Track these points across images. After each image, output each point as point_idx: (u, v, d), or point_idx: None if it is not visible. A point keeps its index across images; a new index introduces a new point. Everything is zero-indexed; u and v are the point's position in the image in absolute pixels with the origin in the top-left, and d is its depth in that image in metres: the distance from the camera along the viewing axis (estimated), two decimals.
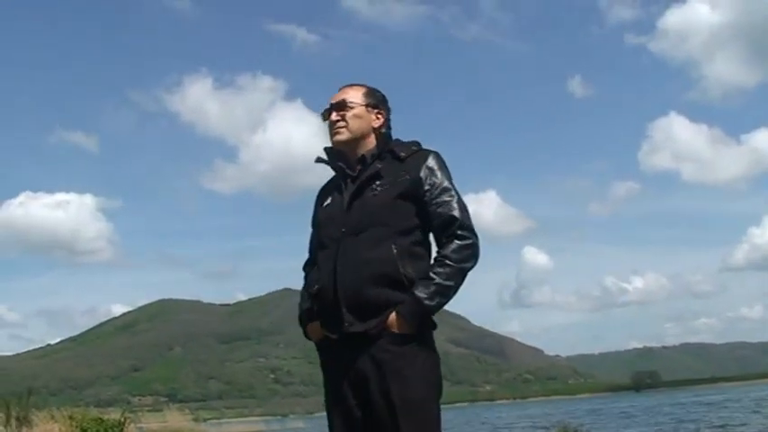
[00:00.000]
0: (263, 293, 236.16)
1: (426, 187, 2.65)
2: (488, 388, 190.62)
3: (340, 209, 2.70)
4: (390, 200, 2.64)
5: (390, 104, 2.88)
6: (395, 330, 2.54)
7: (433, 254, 2.66)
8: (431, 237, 2.69)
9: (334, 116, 2.79)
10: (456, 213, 2.62)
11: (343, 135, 2.77)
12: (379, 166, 2.72)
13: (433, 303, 2.53)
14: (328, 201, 2.79)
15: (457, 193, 2.68)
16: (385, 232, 2.62)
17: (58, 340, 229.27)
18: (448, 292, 2.57)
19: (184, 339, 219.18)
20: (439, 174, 2.68)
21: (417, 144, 2.81)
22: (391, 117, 2.88)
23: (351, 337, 2.57)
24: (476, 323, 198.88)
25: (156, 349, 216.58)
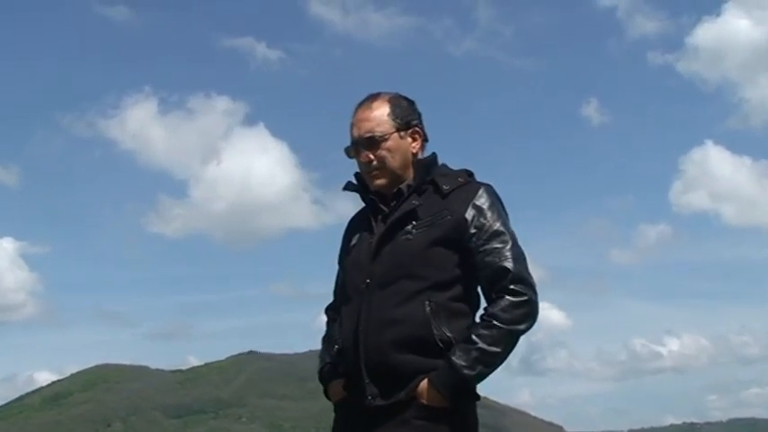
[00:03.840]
0: (222, 357, 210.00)
1: (473, 231, 2.40)
2: None
3: (367, 253, 2.46)
4: (426, 246, 2.40)
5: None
6: (424, 401, 2.31)
7: (481, 311, 2.42)
8: (479, 290, 2.45)
9: (364, 157, 2.51)
10: (508, 264, 2.36)
11: (384, 179, 2.52)
12: (416, 202, 2.46)
13: (473, 373, 2.29)
14: (356, 239, 2.55)
15: (512, 237, 2.42)
16: (418, 285, 2.37)
17: None
18: (493, 360, 2.32)
19: (126, 413, 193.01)
20: (489, 214, 2.42)
21: (467, 174, 2.56)
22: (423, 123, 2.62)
23: (375, 409, 2.35)
24: (482, 393, 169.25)
25: (92, 425, 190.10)
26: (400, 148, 2.49)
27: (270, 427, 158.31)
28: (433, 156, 2.57)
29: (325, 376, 2.53)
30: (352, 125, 2.53)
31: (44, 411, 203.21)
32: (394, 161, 2.48)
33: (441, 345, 2.30)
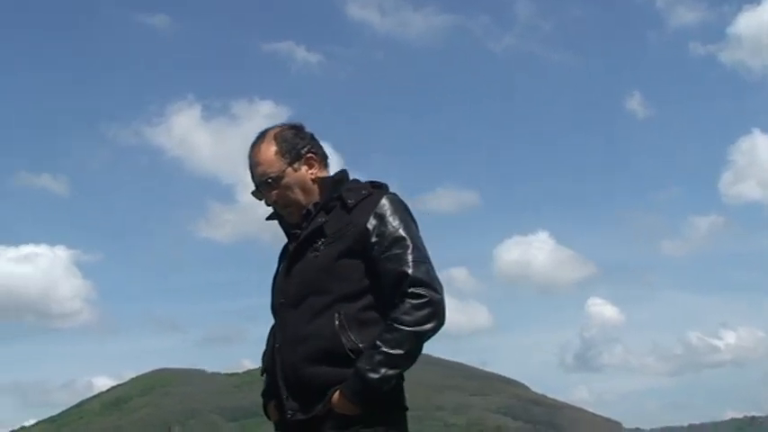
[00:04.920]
0: None
1: (374, 239, 2.46)
2: None
3: (282, 275, 2.60)
4: (331, 260, 2.48)
5: (314, 130, 2.71)
6: (338, 411, 2.38)
7: None
8: None
9: (268, 198, 2.63)
10: (407, 269, 2.41)
11: (293, 214, 2.63)
12: (322, 219, 2.55)
13: (376, 376, 2.34)
14: (280, 266, 2.67)
15: (414, 242, 2.46)
16: (326, 300, 2.45)
17: (33, 422, 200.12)
18: (397, 362, 2.36)
19: (185, 417, 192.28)
20: (390, 221, 2.48)
21: (374, 185, 2.62)
22: (318, 143, 2.70)
23: (297, 424, 2.45)
24: (537, 390, 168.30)
25: (152, 429, 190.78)
26: (298, 180, 2.59)
27: None
28: (341, 173, 2.66)
29: (264, 396, 2.61)
30: (250, 169, 2.64)
31: (104, 416, 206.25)
32: (295, 194, 2.58)
33: (352, 355, 2.37)
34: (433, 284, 2.40)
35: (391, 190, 2.63)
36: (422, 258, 2.44)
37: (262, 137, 2.65)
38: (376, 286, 2.44)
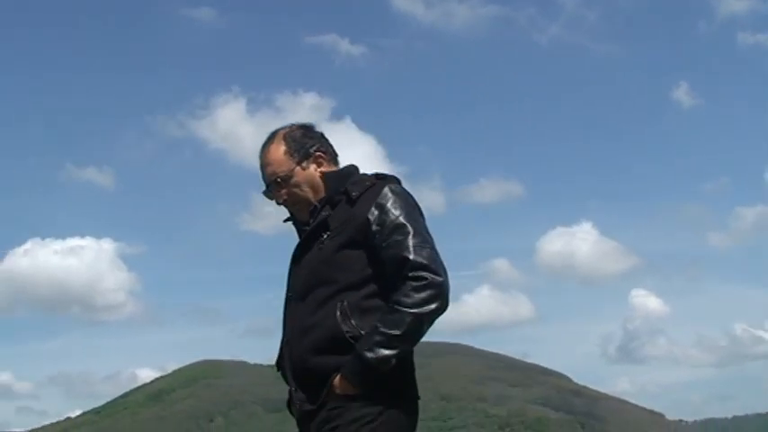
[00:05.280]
0: None
1: (375, 228, 2.49)
2: None
3: (290, 270, 2.67)
4: (334, 251, 2.53)
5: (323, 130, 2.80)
6: (337, 392, 2.43)
7: None
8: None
9: (278, 198, 2.70)
10: (408, 254, 2.44)
11: (303, 211, 2.69)
12: (326, 213, 2.61)
13: (373, 356, 2.37)
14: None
15: (415, 227, 2.49)
16: (330, 290, 2.50)
17: (78, 413, 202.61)
18: (394, 343, 2.39)
19: (228, 408, 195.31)
20: (391, 209, 2.51)
21: (378, 177, 2.66)
22: (327, 141, 2.78)
23: (307, 415, 2.51)
24: (578, 382, 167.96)
25: (195, 421, 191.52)
26: (307, 178, 2.65)
27: None
28: (348, 167, 2.72)
29: (289, 395, 2.63)
30: (260, 170, 2.71)
31: (148, 407, 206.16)
32: (304, 192, 2.65)
33: (354, 342, 2.41)
34: (435, 268, 2.42)
35: (402, 181, 2.69)
36: (423, 243, 2.45)
37: (272, 137, 2.71)
38: (379, 274, 2.47)
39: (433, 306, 2.38)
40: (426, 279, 2.38)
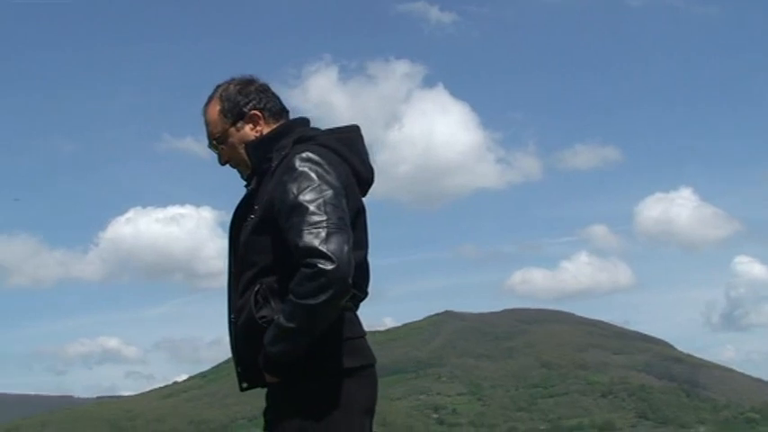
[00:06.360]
0: (418, 318, 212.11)
1: (278, 208, 2.35)
2: (702, 429, 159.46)
3: (230, 247, 2.58)
4: (252, 232, 2.43)
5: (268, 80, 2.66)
6: (267, 380, 2.42)
7: None
8: None
9: (221, 157, 2.62)
10: (298, 239, 2.25)
11: (245, 171, 2.58)
12: (252, 187, 2.51)
13: (274, 350, 2.28)
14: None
15: (313, 207, 2.28)
16: (252, 272, 2.42)
17: (185, 377, 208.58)
18: (291, 336, 2.27)
19: None
20: (292, 187, 2.32)
21: (295, 141, 2.48)
22: (272, 94, 2.63)
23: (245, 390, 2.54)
24: (682, 350, 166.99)
25: None
26: (242, 139, 2.53)
27: (469, 386, 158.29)
28: (284, 126, 2.55)
29: None
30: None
31: None
32: (240, 154, 2.53)
33: (266, 327, 2.32)
34: (328, 252, 2.21)
35: (362, 131, 2.59)
36: (318, 225, 2.25)
37: (212, 95, 2.61)
38: (290, 257, 2.30)
39: (324, 297, 2.19)
40: (316, 267, 2.19)
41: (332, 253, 2.19)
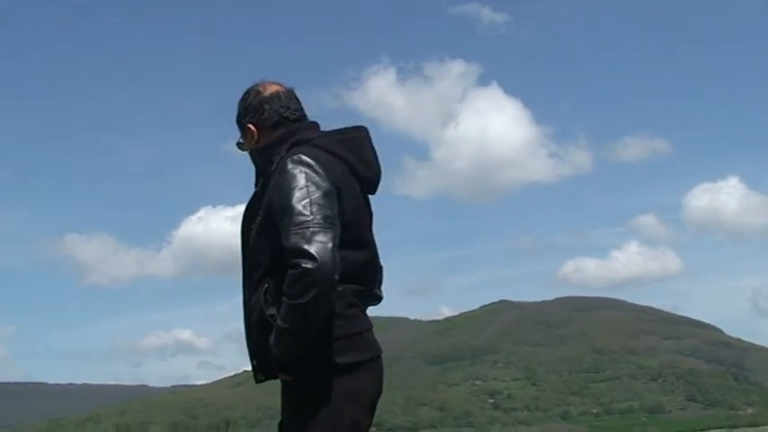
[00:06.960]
0: (474, 307, 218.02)
1: (274, 210, 2.39)
2: (750, 411, 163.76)
3: (242, 246, 2.62)
4: (257, 234, 2.48)
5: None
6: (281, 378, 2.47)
7: None
8: None
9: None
10: (285, 239, 2.29)
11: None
12: (256, 190, 2.57)
13: (276, 351, 2.34)
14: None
15: (299, 207, 2.31)
16: (260, 272, 2.47)
17: None
18: (288, 336, 2.30)
19: (390, 361, 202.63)
20: (283, 190, 2.36)
21: (291, 145, 2.51)
22: (291, 105, 2.63)
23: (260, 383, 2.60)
24: (730, 334, 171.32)
25: None
26: (251, 133, 2.61)
27: (525, 372, 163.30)
28: (283, 133, 2.56)
29: None
30: None
31: None
32: (247, 143, 2.65)
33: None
34: (310, 251, 2.22)
35: (369, 130, 2.65)
36: (303, 225, 2.27)
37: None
38: None
39: (310, 296, 2.21)
40: (300, 267, 2.21)
41: (315, 252, 2.21)
